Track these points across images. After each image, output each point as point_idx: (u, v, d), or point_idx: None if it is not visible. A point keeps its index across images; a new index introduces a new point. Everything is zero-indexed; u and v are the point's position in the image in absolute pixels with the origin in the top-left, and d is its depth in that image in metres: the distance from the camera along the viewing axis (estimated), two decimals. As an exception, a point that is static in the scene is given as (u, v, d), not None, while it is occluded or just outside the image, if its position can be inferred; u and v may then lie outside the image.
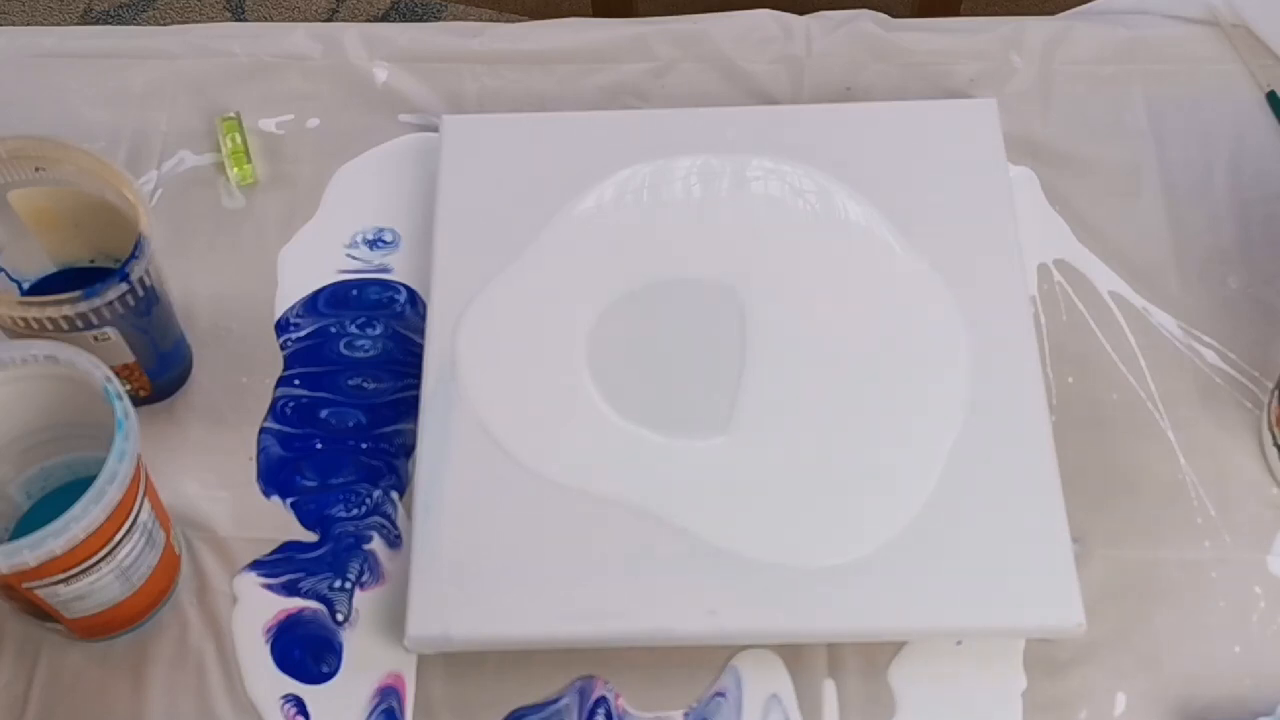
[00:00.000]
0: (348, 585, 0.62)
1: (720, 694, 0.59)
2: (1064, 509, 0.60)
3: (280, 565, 0.63)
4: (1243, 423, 0.65)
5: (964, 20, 0.79)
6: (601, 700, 0.59)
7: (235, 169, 0.73)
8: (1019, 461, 0.61)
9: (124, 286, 0.58)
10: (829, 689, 0.59)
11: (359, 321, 0.69)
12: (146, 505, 0.56)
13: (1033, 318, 0.65)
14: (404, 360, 0.67)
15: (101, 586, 0.55)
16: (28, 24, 1.54)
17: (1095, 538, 0.62)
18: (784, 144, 0.70)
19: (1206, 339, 0.67)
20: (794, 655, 0.60)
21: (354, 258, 0.71)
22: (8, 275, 0.64)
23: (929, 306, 0.65)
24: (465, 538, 0.60)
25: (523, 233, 0.68)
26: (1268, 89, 0.75)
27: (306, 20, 1.53)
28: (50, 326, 0.58)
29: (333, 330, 0.69)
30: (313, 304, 0.69)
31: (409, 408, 0.65)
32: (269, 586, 0.62)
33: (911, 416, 0.62)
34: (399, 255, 0.71)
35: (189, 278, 0.70)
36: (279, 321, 0.69)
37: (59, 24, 1.54)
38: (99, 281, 0.57)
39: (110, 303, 0.58)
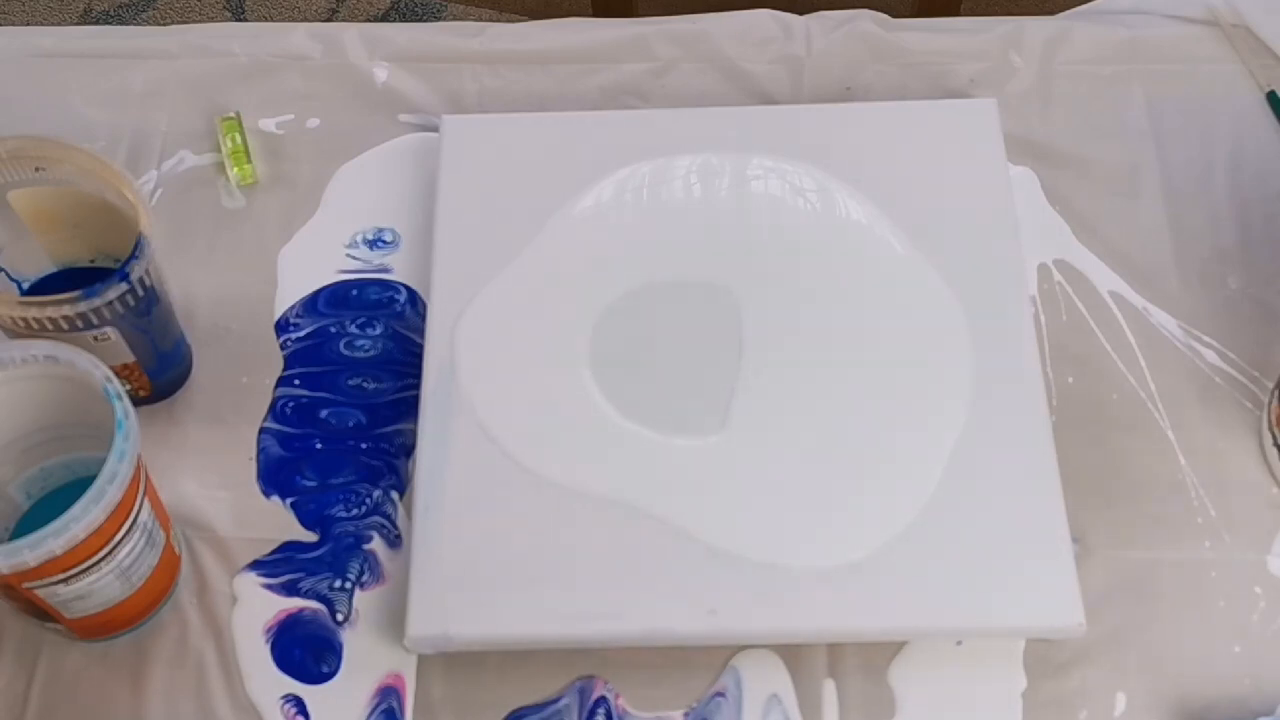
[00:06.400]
0: (348, 585, 0.62)
1: (720, 694, 0.59)
2: (1064, 509, 0.60)
3: (280, 565, 0.63)
4: (1243, 423, 0.65)
5: (964, 20, 0.79)
6: (601, 700, 0.59)
7: (235, 169, 0.73)
8: (1019, 461, 0.61)
9: (124, 286, 0.58)
10: (829, 689, 0.59)
11: (359, 321, 0.69)
12: (146, 505, 0.56)
13: (1033, 318, 0.65)
14: (404, 360, 0.67)
15: (101, 586, 0.55)
16: (28, 24, 1.54)
17: (1095, 538, 0.62)
18: (784, 144, 0.70)
19: (1206, 339, 0.67)
20: (794, 655, 0.60)
21: (354, 258, 0.71)
22: (8, 275, 0.64)
23: (929, 306, 0.65)
24: (465, 538, 0.60)
25: (523, 233, 0.68)
26: (1268, 89, 0.75)
27: (306, 20, 1.53)
28: (50, 326, 0.58)
29: (333, 330, 0.69)
30: (313, 304, 0.69)
31: (409, 408, 0.65)
32: (269, 586, 0.62)
33: (911, 416, 0.62)
34: (399, 255, 0.71)
35: (189, 278, 0.70)
36: (279, 321, 0.69)
37: (59, 24, 1.54)
38: (99, 281, 0.57)
39: (110, 303, 0.58)
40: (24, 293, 0.65)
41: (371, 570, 0.62)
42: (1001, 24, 0.77)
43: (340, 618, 0.61)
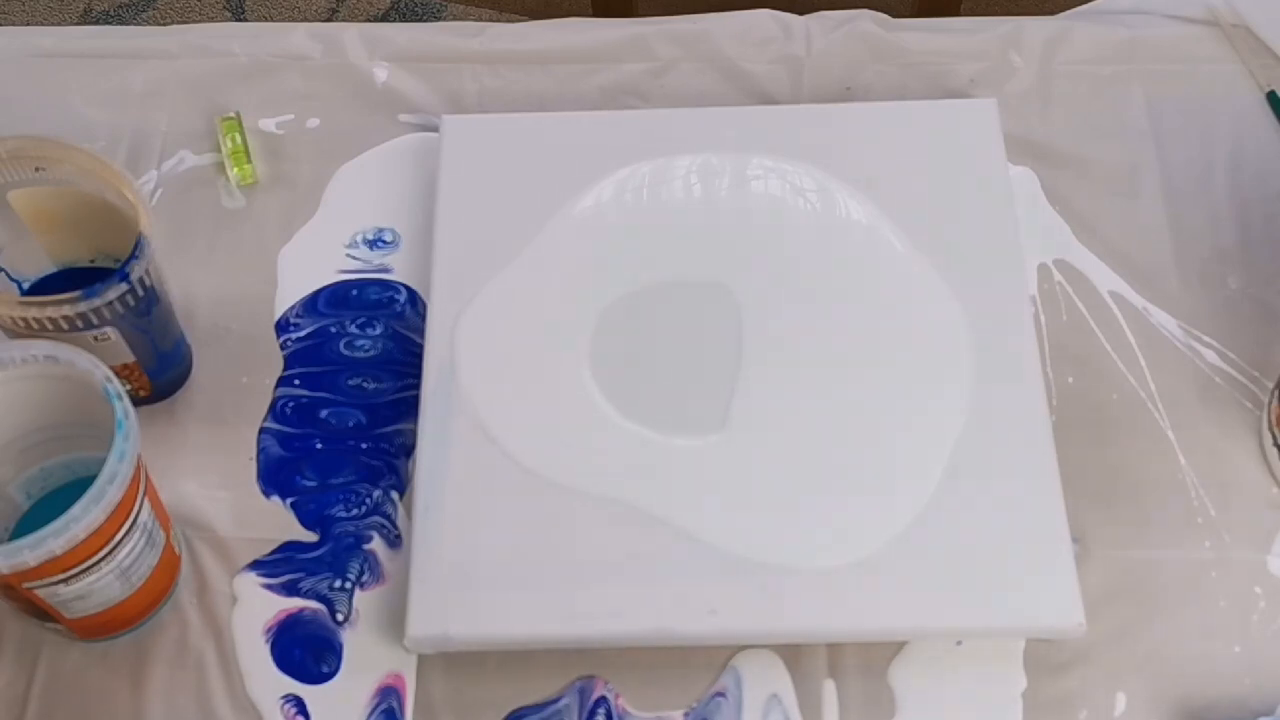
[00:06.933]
0: (348, 585, 0.62)
1: (720, 694, 0.59)
2: (1064, 509, 0.60)
3: (280, 565, 0.63)
4: (1243, 423, 0.65)
5: (964, 20, 0.79)
6: (601, 700, 0.59)
7: (235, 169, 0.73)
8: (1019, 461, 0.61)
9: (124, 286, 0.58)
10: (829, 689, 0.59)
11: (359, 321, 0.69)
12: (146, 505, 0.56)
13: (1033, 318, 0.65)
14: (404, 360, 0.67)
15: (101, 586, 0.55)
16: (28, 24, 1.54)
17: (1095, 538, 0.62)
18: (784, 144, 0.70)
19: (1206, 339, 0.67)
20: (794, 655, 0.60)
21: (354, 258, 0.71)
22: (8, 275, 0.64)
23: (929, 306, 0.65)
24: (465, 538, 0.60)
25: (523, 233, 0.68)
26: (1268, 89, 0.75)
27: (306, 20, 1.53)
28: (50, 326, 0.58)
29: (333, 330, 0.69)
30: (313, 304, 0.69)
31: (409, 408, 0.65)
32: (269, 586, 0.62)
33: (911, 416, 0.62)
34: (399, 255, 0.71)
35: (189, 278, 0.70)
36: (279, 321, 0.69)
37: (59, 24, 1.54)
38: (99, 281, 0.57)
39: (110, 303, 0.58)
40: (24, 293, 0.65)
41: (371, 570, 0.62)
42: (1001, 24, 0.77)
43: (340, 618, 0.61)
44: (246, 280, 0.70)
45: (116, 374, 0.56)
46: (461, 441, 0.62)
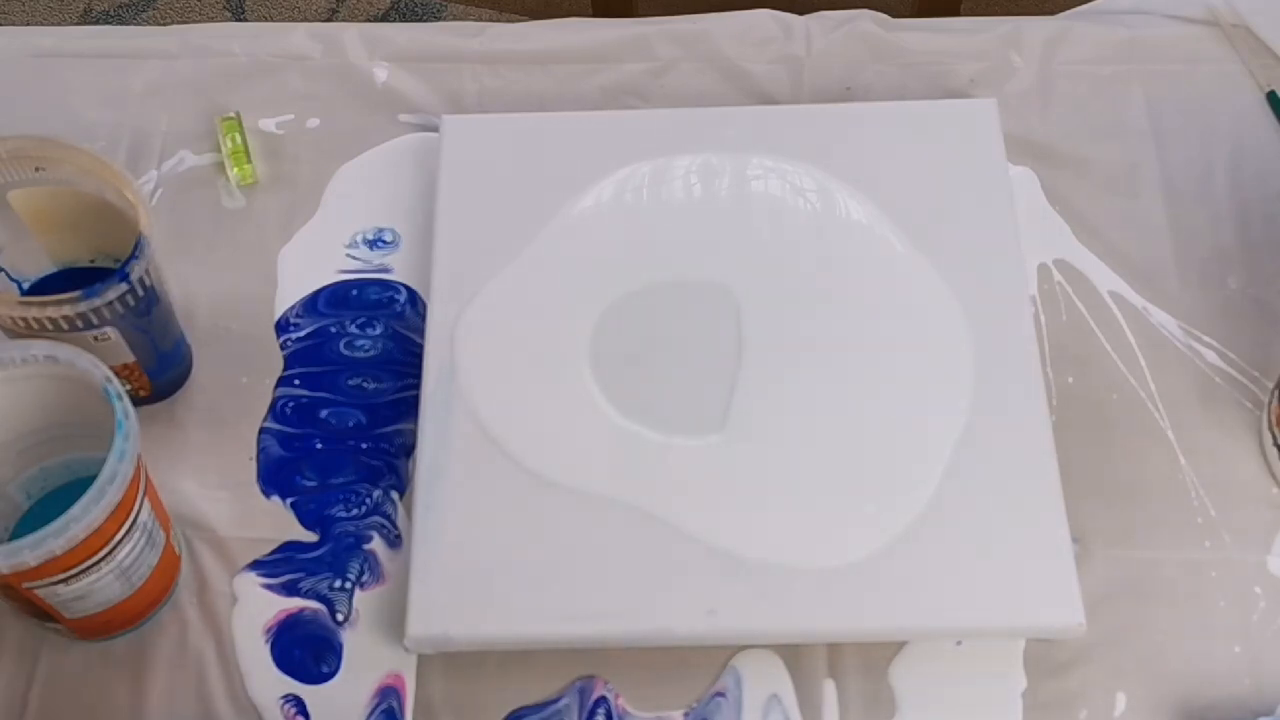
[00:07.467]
0: (348, 585, 0.62)
1: (720, 694, 0.59)
2: (1064, 509, 0.60)
3: (280, 565, 0.63)
4: (1243, 423, 0.65)
5: (964, 20, 0.79)
6: (601, 700, 0.59)
7: (235, 169, 0.73)
8: (1019, 461, 0.61)
9: (124, 286, 0.58)
10: (829, 689, 0.59)
11: (359, 321, 0.69)
12: (146, 505, 0.56)
13: (1033, 318, 0.65)
14: (404, 360, 0.67)
15: (101, 586, 0.56)
16: (28, 24, 1.54)
17: (1095, 538, 0.62)
18: (784, 144, 0.70)
19: (1206, 339, 0.67)
20: (794, 655, 0.60)
21: (354, 258, 0.71)
22: (8, 275, 0.64)
23: (929, 306, 0.65)
24: (465, 538, 0.60)
25: (523, 233, 0.68)
26: (1268, 89, 0.75)
27: (306, 20, 1.53)
28: (50, 326, 0.58)
29: (333, 330, 0.69)
30: (313, 304, 0.69)
31: (409, 408, 0.65)
32: (269, 586, 0.62)
33: (912, 416, 0.62)
34: (399, 255, 0.71)
35: (189, 278, 0.70)
36: (279, 321, 0.69)
37: (59, 24, 1.54)
38: (99, 281, 0.57)
39: (110, 303, 0.58)
40: (24, 293, 0.65)
41: (371, 570, 0.62)
42: (1001, 24, 0.77)
43: (340, 618, 0.61)
44: (246, 280, 0.70)
45: (116, 374, 0.56)
46: (461, 441, 0.62)
